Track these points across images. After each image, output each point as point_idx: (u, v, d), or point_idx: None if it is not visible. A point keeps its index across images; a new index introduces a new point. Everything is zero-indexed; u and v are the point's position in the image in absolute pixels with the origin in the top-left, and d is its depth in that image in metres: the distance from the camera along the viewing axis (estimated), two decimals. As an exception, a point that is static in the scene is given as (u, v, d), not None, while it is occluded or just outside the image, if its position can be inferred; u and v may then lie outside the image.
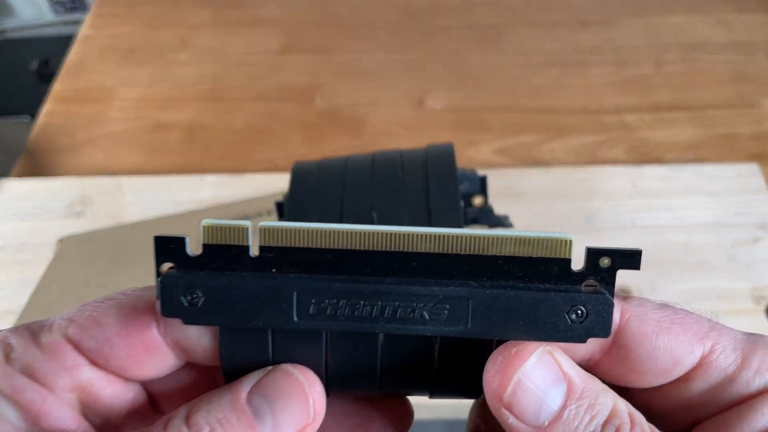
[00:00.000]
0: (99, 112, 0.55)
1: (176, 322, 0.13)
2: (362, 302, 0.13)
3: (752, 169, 0.46)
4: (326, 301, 0.13)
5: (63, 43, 0.69)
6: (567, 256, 0.13)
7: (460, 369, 0.14)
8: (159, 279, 0.13)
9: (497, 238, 0.13)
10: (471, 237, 0.13)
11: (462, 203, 0.24)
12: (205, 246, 0.13)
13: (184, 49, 0.62)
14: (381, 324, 0.13)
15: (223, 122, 0.54)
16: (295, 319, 0.13)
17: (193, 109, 0.55)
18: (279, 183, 0.46)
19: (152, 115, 0.55)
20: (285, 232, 0.13)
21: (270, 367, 0.14)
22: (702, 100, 0.54)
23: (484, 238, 0.13)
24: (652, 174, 0.46)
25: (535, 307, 0.13)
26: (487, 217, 0.29)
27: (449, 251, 0.13)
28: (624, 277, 0.41)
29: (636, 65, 0.57)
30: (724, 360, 0.14)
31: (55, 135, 0.54)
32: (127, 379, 0.14)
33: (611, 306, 0.13)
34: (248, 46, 0.61)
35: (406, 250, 0.13)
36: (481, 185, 0.25)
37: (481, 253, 0.13)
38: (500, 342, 0.13)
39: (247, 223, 0.13)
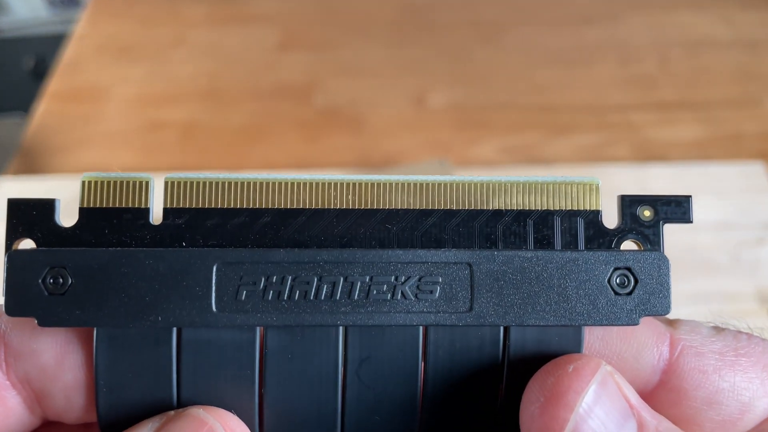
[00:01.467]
0: (94, 111, 0.55)
1: (27, 342, 0.09)
2: (316, 277, 0.09)
3: (757, 168, 0.46)
4: (263, 278, 0.09)
5: (58, 41, 0.68)
6: (595, 207, 0.10)
7: (462, 400, 0.09)
8: (5, 259, 0.09)
9: (500, 185, 0.09)
10: (463, 184, 0.09)
11: None
12: (83, 211, 0.09)
13: (181, 47, 0.61)
14: (345, 312, 0.09)
15: (220, 120, 0.53)
16: (214, 309, 0.09)
17: (190, 107, 0.55)
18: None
19: (148, 114, 0.54)
20: (201, 187, 0.09)
21: (172, 412, 0.09)
22: (707, 98, 0.54)
23: (481, 185, 0.09)
24: (657, 173, 0.46)
25: (564, 272, 0.09)
26: None
27: (436, 206, 0.09)
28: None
29: (640, 63, 0.57)
30: None
31: (50, 134, 0.53)
32: None
33: (668, 266, 0.10)
34: (245, 43, 0.61)
35: (376, 206, 0.09)
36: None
37: (479, 207, 0.09)
38: (515, 336, 0.09)
39: (146, 175, 0.09)
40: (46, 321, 0.09)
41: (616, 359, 0.11)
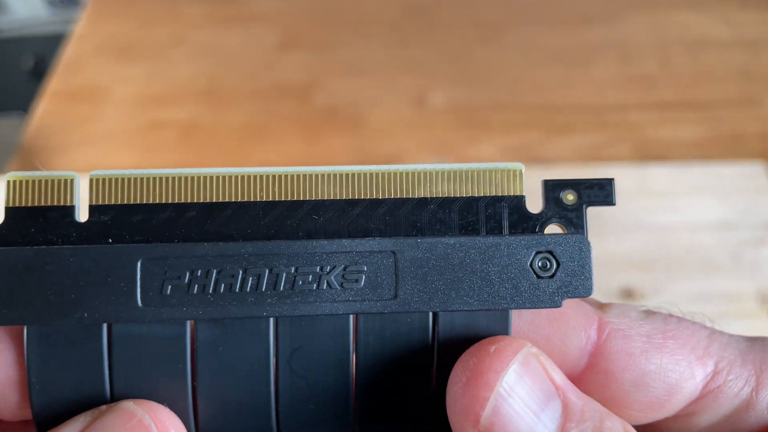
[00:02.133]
0: (94, 111, 0.55)
1: None
2: (241, 270, 0.09)
3: (758, 168, 0.46)
4: (188, 272, 0.09)
5: (58, 40, 0.68)
6: (519, 192, 0.10)
7: (395, 386, 0.10)
8: None
9: (425, 174, 0.10)
10: (389, 174, 0.10)
11: None
12: (9, 211, 0.09)
13: (180, 47, 0.61)
14: (271, 303, 0.09)
15: (220, 120, 0.53)
16: (140, 304, 0.09)
17: (190, 107, 0.55)
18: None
19: (148, 114, 0.54)
20: (126, 184, 0.09)
21: (104, 407, 0.09)
22: (707, 98, 0.54)
23: (407, 174, 0.10)
24: (657, 173, 0.46)
25: (487, 257, 0.09)
26: None
27: (361, 195, 0.09)
28: (625, 276, 0.40)
29: (640, 63, 0.57)
30: (735, 382, 0.11)
31: (49, 133, 0.53)
32: None
33: (589, 248, 0.10)
34: (245, 43, 0.61)
35: (301, 198, 0.09)
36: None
37: (405, 195, 0.10)
38: (444, 322, 0.09)
39: (71, 173, 0.09)
40: None
41: (544, 343, 0.11)
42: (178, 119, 0.53)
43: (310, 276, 0.09)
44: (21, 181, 0.09)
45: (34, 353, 0.09)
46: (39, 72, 0.96)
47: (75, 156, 0.51)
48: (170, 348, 0.09)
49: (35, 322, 0.09)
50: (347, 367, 0.10)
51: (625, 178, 0.46)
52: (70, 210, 0.09)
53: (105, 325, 0.09)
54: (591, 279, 0.10)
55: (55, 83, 0.57)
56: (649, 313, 0.11)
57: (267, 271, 0.09)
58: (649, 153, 0.49)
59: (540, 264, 0.10)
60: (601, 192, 0.10)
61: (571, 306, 0.11)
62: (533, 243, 0.10)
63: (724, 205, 0.43)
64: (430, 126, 0.52)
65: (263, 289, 0.09)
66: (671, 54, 0.58)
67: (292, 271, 0.09)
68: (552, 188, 0.10)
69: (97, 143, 0.53)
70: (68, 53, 0.61)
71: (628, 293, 0.39)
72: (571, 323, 0.11)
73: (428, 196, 0.10)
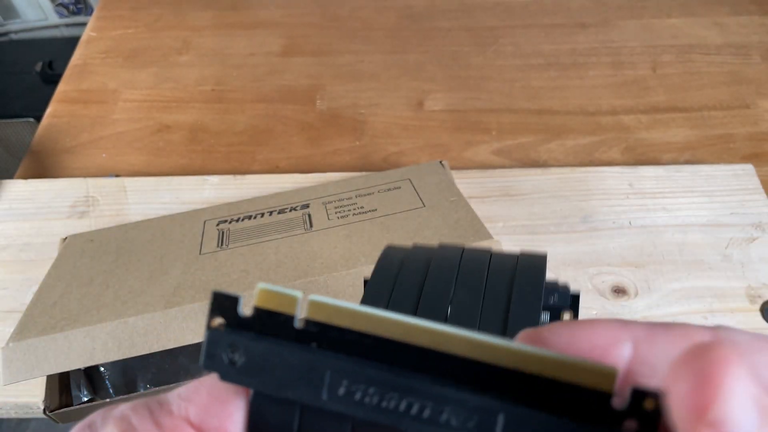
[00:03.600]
0: (102, 114, 0.56)
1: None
2: (391, 394, 0.12)
3: (747, 170, 0.46)
4: (356, 385, 0.12)
5: (67, 45, 0.69)
6: (609, 390, 0.12)
7: None
8: (206, 332, 0.13)
9: (537, 357, 0.12)
10: (508, 349, 0.12)
11: (548, 316, 0.24)
12: (256, 309, 0.13)
13: (187, 52, 0.62)
14: (407, 421, 0.12)
15: (225, 124, 0.54)
16: (324, 397, 0.13)
17: (196, 110, 0.55)
18: (280, 183, 0.46)
19: (155, 117, 0.55)
20: (331, 309, 0.13)
21: None
22: (698, 101, 0.54)
23: (522, 353, 0.12)
24: (649, 174, 0.46)
25: None
26: None
27: (485, 360, 0.12)
28: (618, 276, 0.41)
29: (632, 67, 0.57)
30: None
31: (58, 136, 0.54)
32: None
33: None
34: (250, 48, 0.61)
35: (442, 349, 0.12)
36: (573, 301, 0.23)
37: (519, 368, 0.12)
38: None
39: (297, 293, 0.13)
40: (225, 378, 0.13)
41: None
42: (185, 122, 0.54)
43: (437, 411, 0.12)
44: (266, 292, 0.13)
45: (255, 406, 0.13)
46: (49, 76, 0.96)
47: (84, 158, 0.52)
48: (337, 427, 0.13)
49: (259, 388, 0.13)
50: None
51: (617, 179, 0.46)
52: (292, 318, 0.13)
53: (299, 405, 0.13)
54: None
55: (64, 87, 0.58)
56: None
57: (408, 398, 0.12)
58: (641, 155, 0.50)
59: None
60: None
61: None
62: None
63: (714, 206, 0.44)
64: (428, 129, 0.53)
65: (402, 409, 0.12)
66: (663, 59, 0.58)
67: (425, 404, 0.12)
68: (639, 396, 0.11)
69: (105, 146, 0.53)
70: (77, 57, 0.62)
71: (620, 291, 0.40)
72: None
73: (536, 373, 0.12)
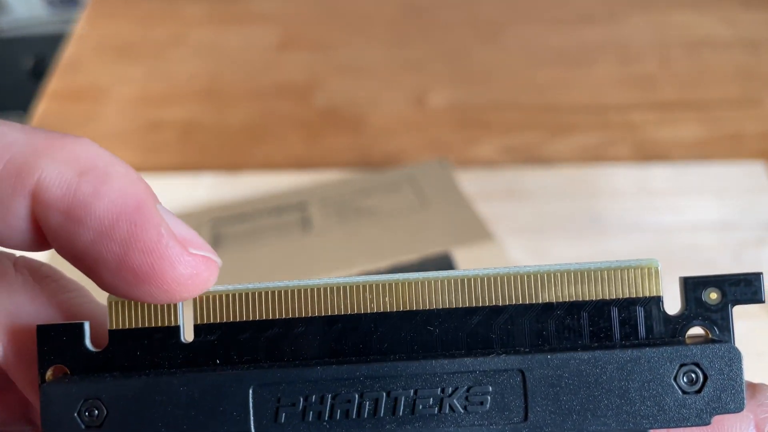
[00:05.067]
0: (94, 111, 0.55)
1: None
2: (357, 394, 0.09)
3: (758, 168, 0.46)
4: (301, 398, 0.08)
5: (57, 40, 0.68)
6: (655, 293, 0.09)
7: None
8: (41, 391, 0.09)
9: (549, 276, 0.09)
10: (510, 277, 0.09)
11: None
12: (112, 333, 0.09)
13: (180, 46, 0.61)
14: (390, 429, 0.09)
15: (220, 120, 0.53)
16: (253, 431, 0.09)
17: (190, 107, 0.55)
18: (277, 182, 0.46)
19: (148, 114, 0.54)
20: (231, 301, 0.09)
21: None
22: (707, 98, 0.54)
23: (528, 276, 0.09)
24: (658, 173, 0.46)
25: (626, 373, 0.09)
26: None
27: (480, 303, 0.09)
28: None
29: (641, 62, 0.57)
30: None
31: (49, 133, 0.54)
32: None
33: (740, 359, 0.09)
34: (245, 43, 0.61)
35: (415, 307, 0.09)
36: None
37: (527, 301, 0.09)
38: None
39: None
40: None
41: None
42: (178, 119, 0.53)
43: (431, 399, 0.09)
44: (122, 303, 0.09)
45: None
46: (39, 72, 0.96)
47: None
48: None
49: None
50: None
51: (625, 178, 0.46)
52: (175, 330, 0.09)
53: None
54: (742, 393, 0.09)
55: (54, 83, 0.57)
56: None
57: (384, 394, 0.09)
58: (649, 153, 0.49)
59: (686, 378, 0.09)
60: (748, 289, 0.10)
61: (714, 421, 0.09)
62: (677, 355, 0.09)
63: (724, 205, 0.43)
64: (430, 126, 0.52)
65: (381, 414, 0.09)
66: (672, 54, 0.58)
67: (411, 393, 0.09)
68: (693, 287, 0.09)
69: (97, 143, 0.53)
70: (68, 53, 0.61)
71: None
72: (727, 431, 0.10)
73: (554, 300, 0.09)
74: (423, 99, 0.54)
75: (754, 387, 0.10)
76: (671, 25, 0.61)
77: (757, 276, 0.09)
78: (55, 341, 0.09)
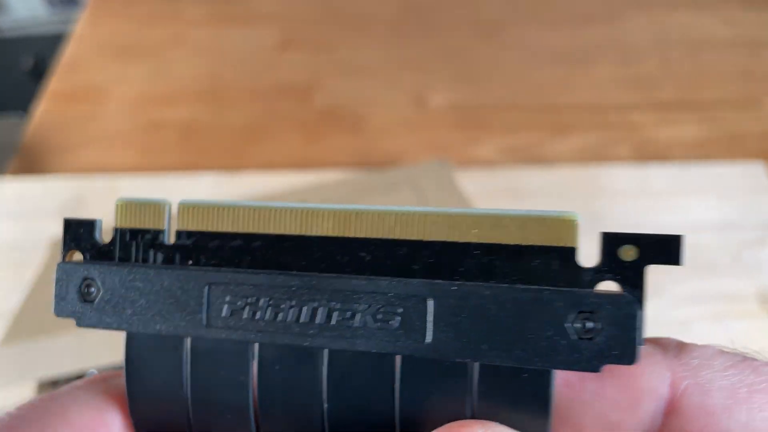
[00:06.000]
0: (94, 111, 0.55)
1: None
2: (288, 301, 0.10)
3: (758, 168, 0.46)
4: (243, 300, 0.10)
5: (57, 40, 0.68)
6: (571, 244, 0.09)
7: (436, 419, 0.10)
8: (58, 266, 0.11)
9: (472, 218, 0.09)
10: (435, 216, 0.10)
11: None
12: (117, 231, 0.11)
13: (180, 47, 0.61)
14: (312, 335, 0.10)
15: (220, 120, 0.53)
16: (204, 323, 0.10)
17: (190, 107, 0.55)
18: (276, 182, 0.45)
19: (148, 114, 0.54)
20: (206, 212, 0.11)
21: None
22: (708, 98, 0.53)
23: (453, 217, 0.10)
24: (658, 173, 0.46)
25: (522, 312, 0.09)
26: None
27: (406, 237, 0.10)
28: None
29: (641, 62, 0.57)
30: None
31: (49, 134, 0.53)
32: None
33: (635, 311, 0.09)
34: (245, 43, 0.61)
35: (354, 235, 0.10)
36: None
37: (450, 239, 0.10)
38: (483, 369, 0.09)
39: (165, 200, 0.11)
40: (81, 322, 0.11)
41: (612, 410, 0.10)
42: (178, 119, 0.53)
43: (348, 312, 0.10)
44: (126, 205, 0.11)
45: (132, 353, 0.11)
46: (39, 72, 0.95)
47: (75, 155, 0.51)
48: (233, 362, 0.11)
49: (120, 327, 0.11)
50: (390, 403, 0.10)
51: (625, 178, 0.46)
52: (161, 233, 0.11)
53: (188, 339, 0.11)
54: (634, 348, 0.09)
55: (55, 83, 0.57)
56: (736, 362, 0.10)
57: (313, 303, 0.10)
58: (649, 153, 0.49)
59: (580, 324, 0.09)
60: (666, 249, 0.09)
61: (641, 360, 0.09)
62: (575, 300, 0.09)
63: (724, 205, 0.43)
64: (430, 126, 0.52)
65: (307, 320, 0.10)
66: (672, 54, 0.58)
67: (333, 306, 0.10)
68: (610, 241, 0.09)
69: (97, 143, 0.53)
70: (68, 53, 0.61)
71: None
72: (641, 385, 0.10)
73: (476, 241, 0.10)
74: (423, 99, 0.54)
75: (682, 345, 0.10)
76: (671, 26, 0.61)
77: (677, 238, 0.09)
78: (75, 231, 0.11)
